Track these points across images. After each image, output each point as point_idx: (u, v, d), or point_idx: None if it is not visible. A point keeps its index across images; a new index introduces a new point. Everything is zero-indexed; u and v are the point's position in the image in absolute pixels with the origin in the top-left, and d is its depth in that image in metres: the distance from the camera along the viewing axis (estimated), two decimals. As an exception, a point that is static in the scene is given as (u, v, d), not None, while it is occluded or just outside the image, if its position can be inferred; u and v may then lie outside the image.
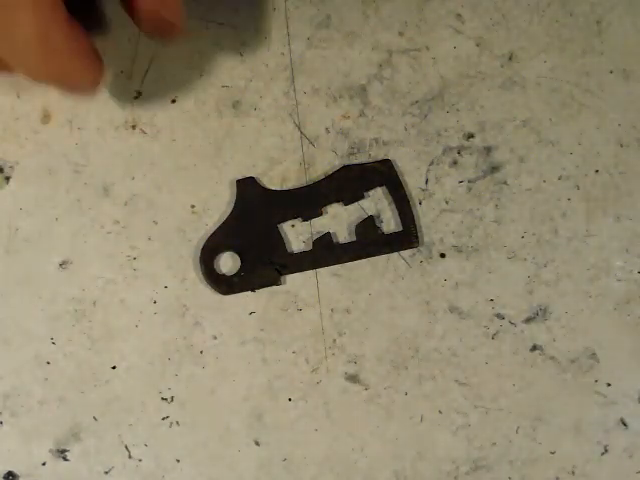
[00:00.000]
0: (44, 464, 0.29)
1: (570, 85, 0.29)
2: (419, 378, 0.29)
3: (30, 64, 0.25)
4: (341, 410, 0.29)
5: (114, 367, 0.29)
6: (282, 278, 0.29)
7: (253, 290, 0.29)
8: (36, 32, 0.24)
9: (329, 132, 0.30)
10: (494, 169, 0.29)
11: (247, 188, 0.29)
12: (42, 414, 0.29)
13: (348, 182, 0.29)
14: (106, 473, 0.28)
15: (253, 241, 0.29)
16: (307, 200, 0.29)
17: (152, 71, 0.30)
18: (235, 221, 0.29)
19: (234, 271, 0.29)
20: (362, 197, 0.29)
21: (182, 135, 0.30)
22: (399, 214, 0.29)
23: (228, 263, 0.29)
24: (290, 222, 0.29)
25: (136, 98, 0.30)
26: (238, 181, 0.29)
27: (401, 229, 0.29)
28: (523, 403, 0.29)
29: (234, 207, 0.29)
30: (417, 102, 0.30)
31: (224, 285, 0.29)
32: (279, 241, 0.29)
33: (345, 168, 0.29)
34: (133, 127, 0.30)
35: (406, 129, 0.29)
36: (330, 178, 0.29)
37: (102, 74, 0.26)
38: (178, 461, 0.28)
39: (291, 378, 0.29)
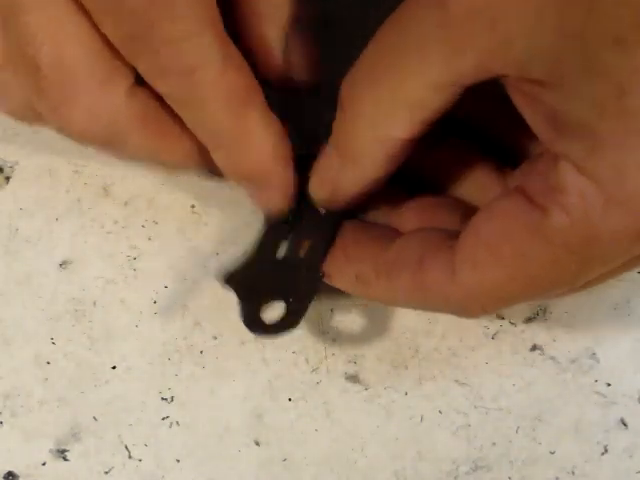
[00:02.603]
0: (44, 464, 0.29)
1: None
2: (419, 378, 0.29)
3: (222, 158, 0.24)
4: (341, 410, 0.29)
5: (114, 367, 0.29)
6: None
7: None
8: (229, 125, 0.23)
9: (329, 132, 0.30)
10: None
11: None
12: (42, 414, 0.29)
13: None
14: (106, 473, 0.28)
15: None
16: None
17: (152, 71, 0.30)
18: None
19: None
20: None
21: (182, 135, 0.30)
22: None
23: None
24: None
25: (136, 98, 0.30)
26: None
27: None
28: (523, 403, 0.29)
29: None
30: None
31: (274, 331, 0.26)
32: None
33: None
34: (133, 127, 0.30)
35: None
36: None
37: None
38: (178, 461, 0.28)
39: (291, 378, 0.29)
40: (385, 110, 0.22)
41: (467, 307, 0.22)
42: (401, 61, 0.21)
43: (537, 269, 0.20)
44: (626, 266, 0.22)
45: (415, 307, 0.25)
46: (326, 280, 0.26)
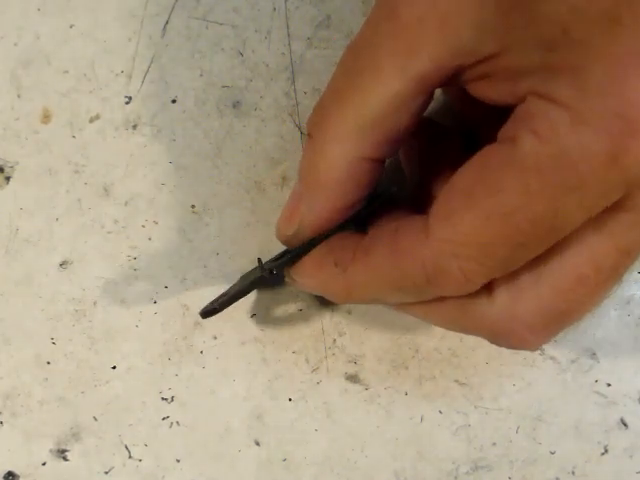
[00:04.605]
0: (44, 464, 0.29)
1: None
2: (419, 378, 0.29)
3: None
4: (341, 410, 0.29)
5: (114, 367, 0.29)
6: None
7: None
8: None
9: (329, 132, 0.29)
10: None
11: None
12: (42, 414, 0.29)
13: None
14: (106, 473, 0.28)
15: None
16: None
17: (152, 71, 0.30)
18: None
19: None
20: None
21: (182, 135, 0.30)
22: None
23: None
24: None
25: (136, 98, 0.30)
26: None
27: None
28: (523, 403, 0.29)
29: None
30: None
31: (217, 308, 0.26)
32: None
33: None
34: (133, 127, 0.30)
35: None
36: None
37: None
38: (178, 461, 0.28)
39: (291, 378, 0.29)
40: (350, 129, 0.22)
41: (442, 268, 0.21)
42: (360, 78, 0.21)
43: (511, 202, 0.19)
44: (613, 222, 0.20)
45: (392, 289, 0.23)
46: (303, 282, 0.25)
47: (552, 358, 0.29)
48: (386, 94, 0.21)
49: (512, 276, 0.22)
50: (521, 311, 0.22)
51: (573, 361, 0.29)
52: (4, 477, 0.28)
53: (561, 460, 0.28)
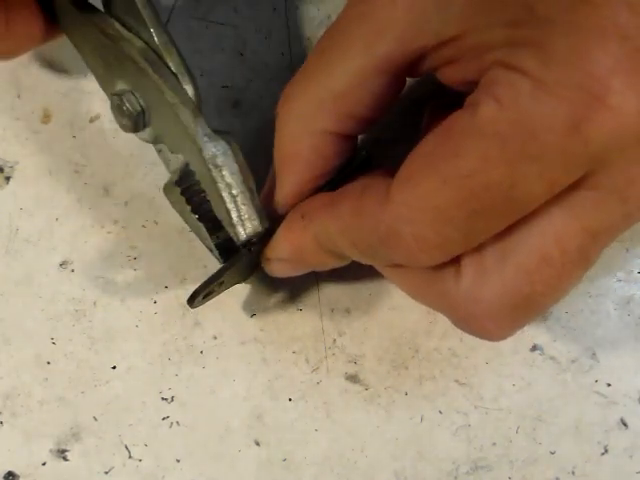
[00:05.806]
0: (44, 464, 0.29)
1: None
2: (419, 378, 0.29)
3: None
4: (341, 410, 0.29)
5: (114, 367, 0.29)
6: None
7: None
8: None
9: (329, 132, 0.29)
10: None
11: None
12: (42, 414, 0.29)
13: None
14: (106, 473, 0.28)
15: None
16: None
17: (152, 71, 0.30)
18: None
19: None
20: None
21: (182, 135, 0.30)
22: None
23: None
24: None
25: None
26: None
27: None
28: (523, 403, 0.29)
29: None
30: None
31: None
32: None
33: None
34: (133, 127, 0.30)
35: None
36: None
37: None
38: (178, 461, 0.28)
39: (291, 378, 0.29)
40: (312, 103, 0.23)
41: (395, 232, 0.20)
42: (328, 57, 0.22)
43: (468, 166, 0.19)
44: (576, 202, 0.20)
45: (351, 246, 0.23)
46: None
47: (552, 358, 0.29)
48: (349, 69, 0.22)
49: (478, 253, 0.21)
50: (486, 294, 0.21)
51: (573, 361, 0.29)
52: (4, 477, 0.28)
53: (561, 460, 0.28)
